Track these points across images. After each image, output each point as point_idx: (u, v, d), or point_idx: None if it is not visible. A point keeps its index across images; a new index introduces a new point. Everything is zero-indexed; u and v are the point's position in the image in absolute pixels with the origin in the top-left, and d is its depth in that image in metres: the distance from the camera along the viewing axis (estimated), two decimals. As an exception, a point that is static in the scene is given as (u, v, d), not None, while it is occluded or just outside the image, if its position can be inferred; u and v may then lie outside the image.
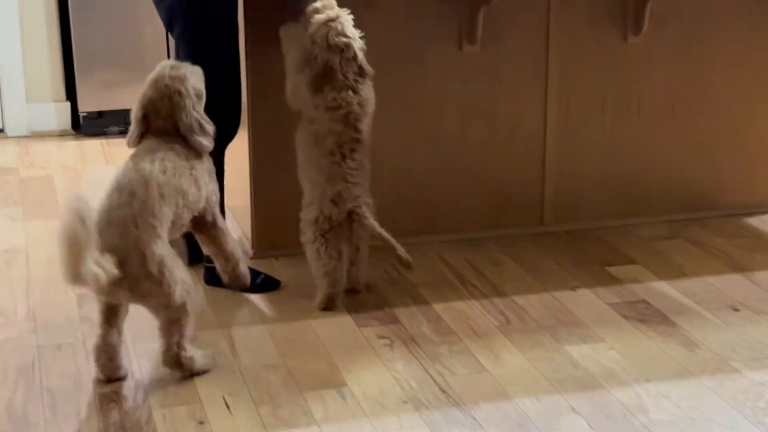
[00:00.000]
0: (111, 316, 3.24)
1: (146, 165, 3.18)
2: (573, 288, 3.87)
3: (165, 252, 3.15)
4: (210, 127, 3.35)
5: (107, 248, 2.98)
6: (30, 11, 5.47)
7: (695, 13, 4.31)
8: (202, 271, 3.87)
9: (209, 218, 3.41)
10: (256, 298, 3.79)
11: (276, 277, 3.89)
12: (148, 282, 3.09)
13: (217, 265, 3.54)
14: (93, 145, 5.40)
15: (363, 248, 3.79)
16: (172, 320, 3.21)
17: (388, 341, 3.50)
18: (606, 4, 4.23)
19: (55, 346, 3.47)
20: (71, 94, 5.62)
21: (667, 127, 4.41)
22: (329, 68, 3.58)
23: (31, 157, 5.27)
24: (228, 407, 3.12)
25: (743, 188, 4.54)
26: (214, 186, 3.43)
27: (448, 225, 4.28)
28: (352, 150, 3.63)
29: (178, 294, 3.16)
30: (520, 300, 3.78)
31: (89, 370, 3.32)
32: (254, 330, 3.57)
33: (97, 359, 3.29)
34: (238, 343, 3.49)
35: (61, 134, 5.62)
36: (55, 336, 3.54)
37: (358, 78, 3.62)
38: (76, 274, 2.85)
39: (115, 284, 2.96)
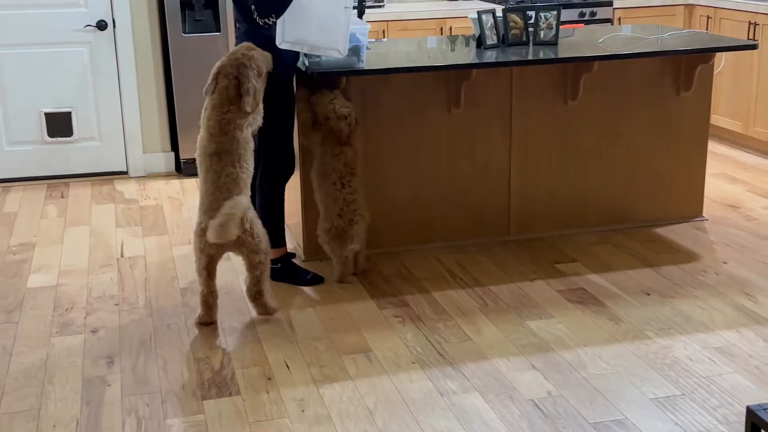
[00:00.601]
0: (211, 268, 3.39)
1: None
2: (531, 279, 3.87)
3: (252, 213, 3.35)
4: (252, 100, 3.37)
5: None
6: (145, 84, 5.48)
7: (615, 83, 4.30)
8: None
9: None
10: (307, 290, 3.79)
11: (320, 274, 3.88)
12: (244, 234, 3.28)
13: None
14: (190, 182, 5.41)
15: (361, 246, 3.84)
16: (257, 262, 3.37)
17: (400, 319, 3.50)
18: (552, 78, 4.22)
19: (165, 326, 3.48)
20: (174, 146, 5.64)
21: (597, 163, 4.40)
22: (336, 129, 3.65)
23: (147, 191, 5.29)
24: (288, 367, 3.13)
25: (652, 206, 4.52)
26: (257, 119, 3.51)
27: (441, 235, 4.27)
28: (349, 181, 3.72)
29: (264, 243, 3.37)
30: (494, 288, 3.78)
31: (190, 342, 3.33)
32: (306, 312, 3.57)
33: (204, 302, 3.42)
34: (294, 321, 3.49)
35: (168, 175, 5.64)
36: (165, 318, 3.54)
37: (351, 135, 3.71)
38: (227, 234, 3.16)
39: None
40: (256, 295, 3.43)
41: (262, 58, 3.42)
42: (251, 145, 3.42)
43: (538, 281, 3.85)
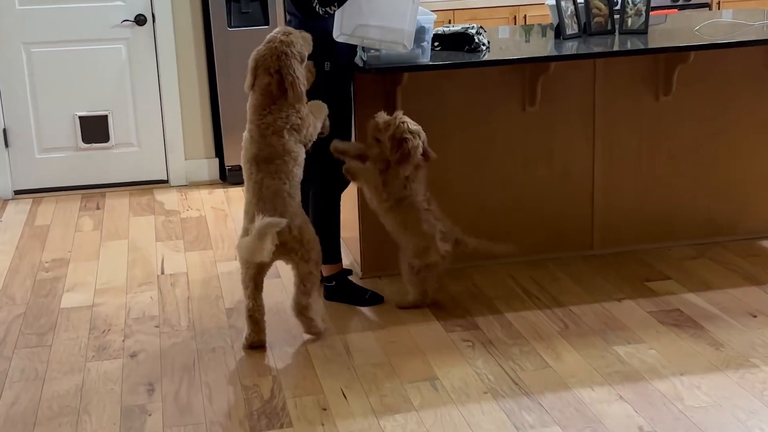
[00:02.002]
0: (258, 279, 3.44)
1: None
2: (618, 299, 3.82)
3: (300, 220, 3.40)
4: (299, 91, 3.38)
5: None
6: (186, 84, 5.57)
7: (714, 76, 4.24)
8: (322, 290, 3.90)
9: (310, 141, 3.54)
10: (365, 310, 3.80)
11: (380, 293, 3.90)
12: (292, 241, 3.33)
13: None
14: (236, 191, 5.48)
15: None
16: (306, 272, 3.41)
17: (470, 343, 3.49)
18: (641, 70, 4.18)
19: (210, 350, 3.52)
20: (219, 152, 5.72)
21: (693, 167, 4.34)
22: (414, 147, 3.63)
23: (189, 202, 5.37)
24: (345, 396, 3.14)
25: (757, 216, 4.44)
26: (306, 127, 3.49)
27: (517, 250, 4.25)
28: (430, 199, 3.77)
29: (315, 253, 3.41)
30: (576, 309, 3.74)
31: (237, 367, 3.37)
32: (364, 335, 3.58)
33: (251, 319, 3.47)
34: (351, 346, 3.51)
35: (212, 183, 5.72)
36: (210, 341, 3.59)
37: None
38: (259, 255, 3.22)
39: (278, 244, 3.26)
40: (302, 309, 3.46)
41: (303, 41, 3.43)
42: (296, 153, 3.42)
43: (626, 301, 3.80)
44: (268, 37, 3.46)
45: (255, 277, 3.42)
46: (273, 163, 3.38)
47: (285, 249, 3.34)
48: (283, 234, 3.30)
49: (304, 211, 3.51)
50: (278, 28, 3.50)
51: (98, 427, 2.99)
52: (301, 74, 3.39)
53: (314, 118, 3.50)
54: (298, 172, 3.45)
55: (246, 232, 3.32)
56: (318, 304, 3.52)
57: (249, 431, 2.94)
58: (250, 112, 3.44)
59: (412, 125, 3.61)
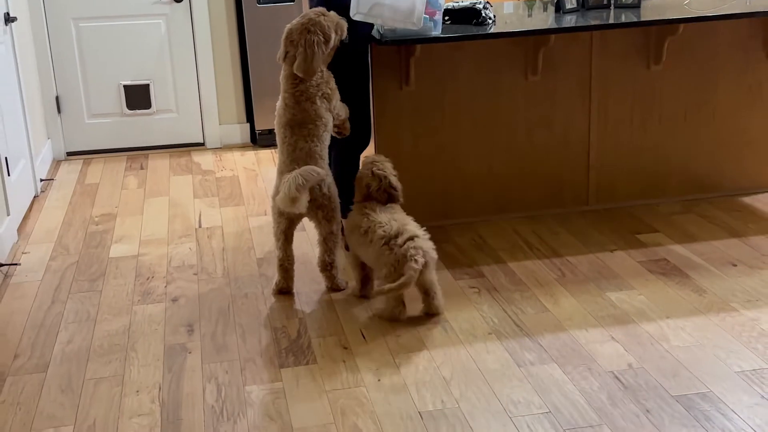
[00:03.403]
0: (289, 232, 3.45)
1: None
2: (611, 250, 3.82)
3: (330, 179, 3.41)
4: (304, 64, 3.32)
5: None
6: (220, 56, 5.57)
7: (702, 47, 4.19)
8: (343, 242, 3.92)
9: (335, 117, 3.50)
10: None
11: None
12: (322, 198, 3.34)
13: (335, 129, 3.60)
14: (266, 153, 5.49)
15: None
16: (329, 232, 3.41)
17: (476, 290, 3.51)
18: (634, 42, 4.14)
19: (243, 295, 3.55)
20: (250, 117, 5.72)
21: (681, 130, 4.31)
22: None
23: (223, 163, 5.39)
24: (363, 337, 3.17)
25: (739, 174, 4.41)
26: (335, 100, 3.47)
27: (518, 206, 4.25)
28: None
29: (338, 213, 3.41)
30: (572, 259, 3.75)
31: (267, 311, 3.40)
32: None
33: (281, 268, 3.49)
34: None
35: (243, 146, 5.73)
36: (243, 287, 3.62)
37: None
38: (297, 204, 3.17)
39: (312, 199, 3.27)
40: (326, 265, 3.48)
41: (331, 24, 3.41)
42: (326, 119, 3.42)
43: (618, 252, 3.80)
44: (304, 13, 3.45)
45: (286, 230, 3.43)
46: (306, 127, 3.37)
47: (314, 205, 3.35)
48: (315, 191, 3.32)
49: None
50: (317, 8, 3.47)
51: (144, 363, 3.04)
52: (320, 52, 3.37)
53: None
54: (327, 137, 3.45)
55: (278, 190, 3.33)
56: (339, 259, 3.52)
57: (278, 367, 2.98)
58: (284, 81, 3.43)
59: (378, 170, 3.38)
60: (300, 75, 3.35)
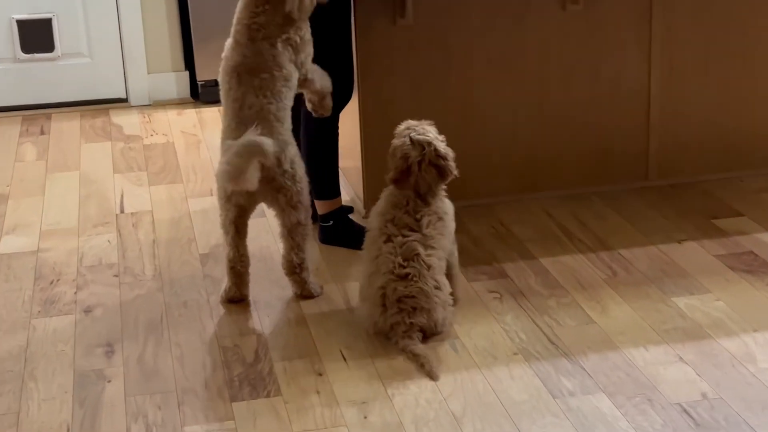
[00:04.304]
0: (240, 223, 3.44)
1: None
2: (679, 241, 3.83)
3: (294, 151, 3.38)
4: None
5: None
6: (149, -14, 5.57)
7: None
8: (317, 232, 3.91)
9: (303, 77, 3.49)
10: (369, 255, 3.82)
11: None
12: (283, 177, 3.29)
13: (311, 105, 3.63)
14: (211, 112, 5.48)
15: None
16: (295, 222, 3.38)
17: (497, 295, 3.51)
18: (709, -41, 4.15)
19: (181, 303, 3.54)
20: (189, 64, 5.70)
21: (772, 79, 4.33)
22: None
23: (153, 125, 5.37)
24: (345, 359, 3.16)
25: None
26: (301, 53, 3.45)
27: (552, 181, 4.26)
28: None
29: (306, 197, 3.38)
30: (626, 253, 3.75)
31: (214, 325, 3.40)
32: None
33: (232, 270, 3.49)
34: (353, 299, 3.52)
35: (181, 102, 5.72)
36: (181, 293, 3.61)
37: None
38: (243, 178, 3.12)
39: (270, 180, 3.26)
40: (296, 267, 3.46)
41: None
42: (287, 71, 3.38)
43: (688, 242, 3.81)
44: None
45: (236, 220, 3.41)
46: (258, 76, 3.34)
47: (273, 186, 3.32)
48: (271, 168, 3.29)
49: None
50: None
51: (47, 396, 3.02)
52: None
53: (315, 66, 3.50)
54: (288, 95, 3.41)
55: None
56: (310, 257, 3.50)
57: (229, 400, 2.97)
58: (239, 8, 3.40)
59: (420, 135, 3.29)
60: (293, 16, 3.33)
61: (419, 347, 3.12)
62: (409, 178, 3.24)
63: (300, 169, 3.40)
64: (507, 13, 4.07)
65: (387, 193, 3.32)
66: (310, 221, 3.49)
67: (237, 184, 3.18)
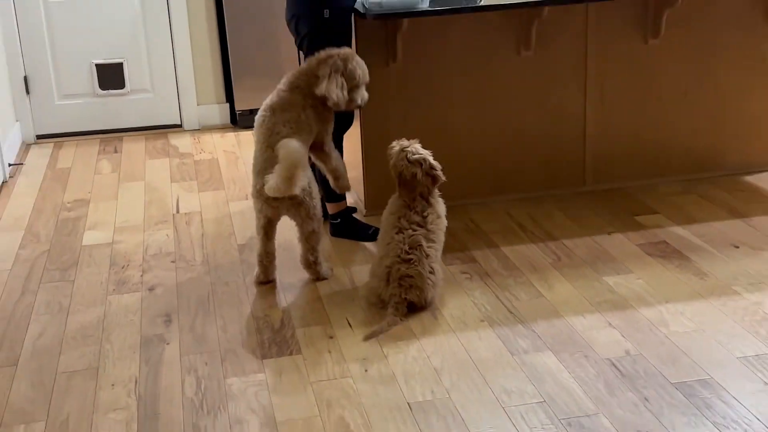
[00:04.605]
0: (269, 229, 3.43)
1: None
2: (608, 233, 3.83)
3: (311, 175, 3.36)
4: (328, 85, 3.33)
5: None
6: (198, 35, 5.53)
7: (702, 19, 4.19)
8: (328, 227, 3.91)
9: (319, 144, 3.48)
10: (369, 245, 3.81)
11: (383, 229, 3.90)
12: (303, 194, 3.26)
13: (330, 182, 3.61)
14: (246, 135, 5.47)
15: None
16: (310, 230, 3.37)
17: (468, 275, 3.51)
18: (631, 14, 4.13)
19: (223, 283, 3.54)
20: (230, 97, 5.70)
21: (681, 107, 4.31)
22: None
23: (202, 145, 5.37)
24: (350, 326, 3.17)
25: (741, 153, 4.42)
26: (325, 124, 3.45)
27: (511, 187, 4.26)
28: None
29: (319, 210, 3.37)
30: (568, 242, 3.75)
31: (248, 300, 3.40)
32: (368, 268, 3.55)
33: (261, 263, 3.48)
34: (356, 278, 3.53)
35: (223, 127, 5.71)
36: (223, 276, 3.61)
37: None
38: (290, 186, 3.10)
39: (291, 198, 3.22)
40: (312, 264, 3.47)
41: (360, 69, 3.42)
42: (315, 127, 3.38)
43: (616, 234, 3.80)
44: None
45: (265, 226, 3.41)
46: (290, 112, 3.33)
47: (295, 201, 3.30)
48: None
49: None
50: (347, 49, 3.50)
51: (120, 356, 3.03)
52: (334, 86, 3.34)
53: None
54: (308, 137, 3.39)
55: (255, 188, 3.32)
56: (322, 252, 3.51)
57: (261, 358, 2.98)
58: (292, 72, 3.44)
59: (414, 155, 3.27)
60: (322, 95, 3.32)
61: (393, 319, 3.11)
62: (413, 186, 3.25)
63: (315, 188, 3.38)
64: (476, 58, 4.06)
65: (393, 199, 3.33)
66: (322, 228, 3.47)
67: (290, 190, 3.13)
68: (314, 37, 3.61)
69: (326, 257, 3.63)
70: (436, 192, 3.32)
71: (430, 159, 3.28)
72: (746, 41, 4.27)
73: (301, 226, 3.40)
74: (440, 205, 3.32)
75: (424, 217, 3.24)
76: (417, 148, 3.29)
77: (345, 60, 3.37)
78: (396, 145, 3.33)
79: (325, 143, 3.51)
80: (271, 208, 3.32)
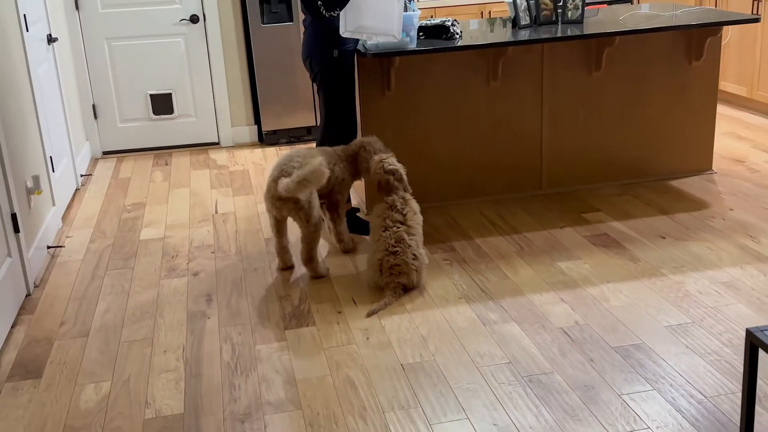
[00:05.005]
0: (279, 228, 3.41)
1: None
2: (561, 227, 3.82)
3: (316, 198, 3.32)
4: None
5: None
6: (231, 68, 5.51)
7: (634, 55, 4.18)
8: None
9: (335, 204, 3.47)
10: (368, 238, 3.77)
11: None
12: (305, 201, 3.24)
13: (335, 240, 3.61)
14: (271, 150, 5.45)
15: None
16: (307, 233, 3.32)
17: (449, 261, 3.50)
18: (577, 52, 4.12)
19: (253, 269, 3.53)
20: (257, 120, 5.68)
21: (618, 125, 4.30)
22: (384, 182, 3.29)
23: (235, 159, 5.35)
24: (355, 303, 3.16)
25: (666, 162, 4.41)
26: (346, 183, 3.47)
27: (483, 191, 4.25)
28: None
29: (315, 218, 3.31)
30: (528, 235, 3.75)
31: (273, 282, 3.38)
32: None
33: (278, 254, 3.47)
34: (359, 265, 3.52)
35: (252, 144, 5.69)
36: (253, 263, 3.60)
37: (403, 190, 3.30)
38: (299, 189, 3.09)
39: (295, 202, 3.20)
40: (308, 260, 3.38)
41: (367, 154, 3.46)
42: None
43: (566, 228, 3.80)
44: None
45: (276, 225, 3.38)
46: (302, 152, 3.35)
47: (296, 206, 3.24)
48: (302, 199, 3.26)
49: None
50: (369, 138, 3.54)
51: (170, 328, 3.02)
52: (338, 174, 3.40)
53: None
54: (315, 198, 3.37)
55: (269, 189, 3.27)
56: (317, 251, 3.43)
57: (283, 329, 2.97)
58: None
59: (389, 165, 3.27)
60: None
61: (390, 299, 3.10)
62: (388, 189, 3.26)
63: (316, 203, 3.31)
64: (454, 87, 4.05)
65: (378, 204, 3.31)
66: (319, 233, 3.34)
67: (321, 181, 3.09)
68: (326, 72, 3.60)
69: (335, 248, 3.62)
70: (411, 195, 3.30)
71: (401, 169, 3.29)
72: (669, 73, 4.27)
73: (302, 227, 3.33)
74: (415, 205, 3.31)
75: (404, 215, 3.23)
76: (392, 161, 3.30)
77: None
78: (377, 158, 3.32)
79: (340, 206, 3.50)
80: (276, 208, 3.28)
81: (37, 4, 4.39)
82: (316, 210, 3.34)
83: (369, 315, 3.04)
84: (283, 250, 3.46)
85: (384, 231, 3.20)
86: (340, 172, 3.47)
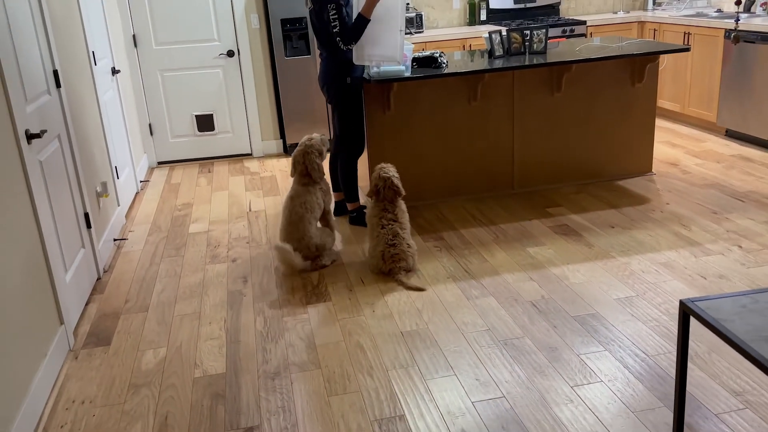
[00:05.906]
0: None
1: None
2: (530, 219, 3.81)
3: (318, 238, 3.22)
4: (318, 173, 3.21)
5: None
6: (261, 93, 5.50)
7: (588, 80, 4.17)
8: (347, 219, 3.90)
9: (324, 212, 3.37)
10: (374, 230, 3.79)
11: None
12: (312, 253, 3.21)
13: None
14: (294, 159, 5.45)
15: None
16: (316, 257, 3.25)
17: (438, 248, 3.50)
18: (541, 77, 4.11)
19: (280, 256, 3.53)
20: (282, 135, 5.68)
21: (576, 136, 4.29)
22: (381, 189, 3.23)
23: (265, 167, 5.35)
24: (363, 282, 3.16)
25: (615, 166, 4.40)
26: (327, 197, 3.33)
27: (466, 191, 4.24)
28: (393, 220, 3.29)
29: (325, 252, 3.24)
30: (503, 226, 3.74)
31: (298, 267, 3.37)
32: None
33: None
34: (366, 252, 3.51)
35: (279, 155, 5.69)
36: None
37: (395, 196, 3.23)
38: (289, 262, 3.07)
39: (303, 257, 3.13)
40: (315, 267, 3.29)
41: (320, 142, 3.28)
42: (319, 201, 3.26)
43: (534, 220, 3.79)
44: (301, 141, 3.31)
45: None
46: (303, 198, 3.24)
47: (308, 255, 3.23)
48: (307, 250, 3.21)
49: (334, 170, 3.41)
50: (311, 136, 3.32)
51: (213, 303, 3.03)
52: (318, 162, 3.24)
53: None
54: (318, 213, 3.27)
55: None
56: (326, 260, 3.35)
57: (305, 304, 2.97)
58: (293, 186, 3.30)
59: (384, 173, 3.21)
60: (316, 180, 3.23)
61: (403, 278, 3.10)
62: (383, 194, 3.23)
63: (321, 247, 3.24)
64: (441, 106, 4.04)
65: (371, 205, 3.27)
66: (321, 250, 3.26)
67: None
68: (340, 96, 3.60)
69: (347, 238, 3.62)
70: (400, 199, 3.25)
71: (396, 178, 3.23)
72: (616, 93, 4.25)
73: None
74: (403, 205, 3.28)
75: (395, 215, 3.22)
76: (389, 170, 3.27)
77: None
78: (377, 167, 3.30)
79: (329, 219, 3.37)
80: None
81: (103, 43, 4.39)
82: (321, 244, 3.25)
83: (407, 288, 2.99)
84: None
85: (381, 228, 3.20)
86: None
